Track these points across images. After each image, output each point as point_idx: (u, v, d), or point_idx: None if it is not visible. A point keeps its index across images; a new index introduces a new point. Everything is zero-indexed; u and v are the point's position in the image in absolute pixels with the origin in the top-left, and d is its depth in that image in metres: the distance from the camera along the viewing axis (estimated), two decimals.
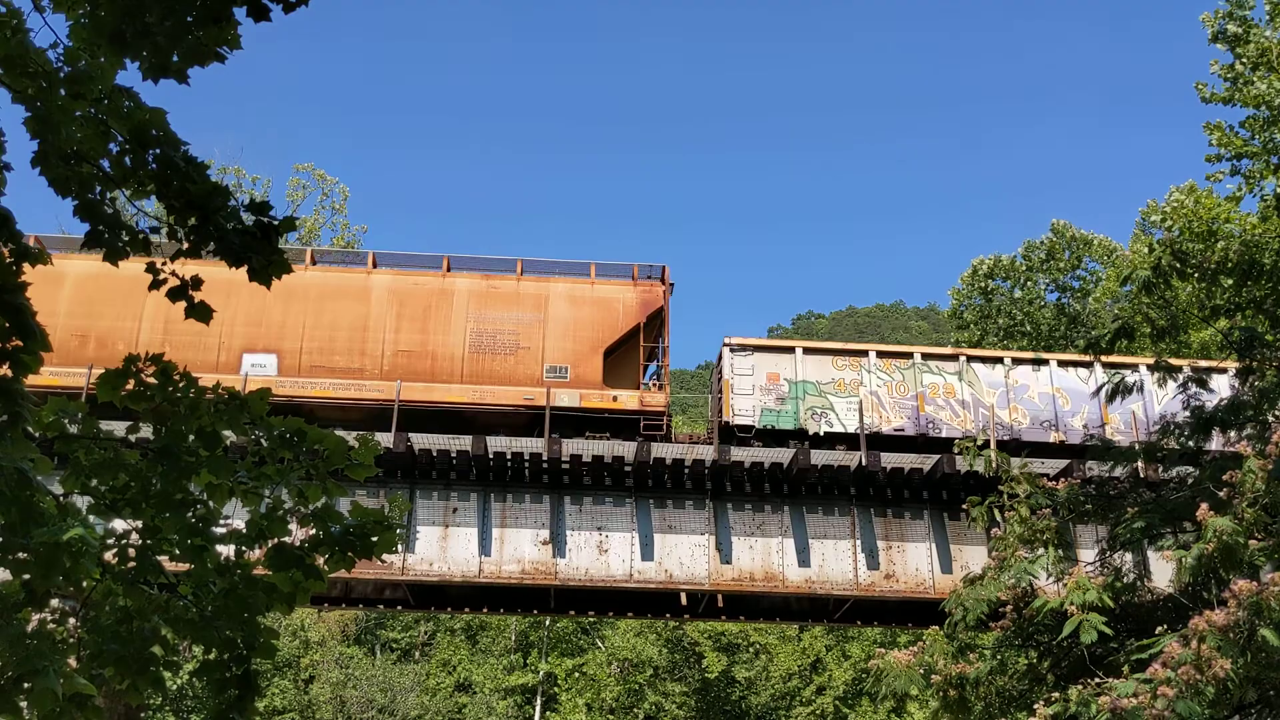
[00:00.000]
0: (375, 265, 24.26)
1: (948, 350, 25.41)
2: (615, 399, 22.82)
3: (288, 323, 23.08)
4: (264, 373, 22.41)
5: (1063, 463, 20.87)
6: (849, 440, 22.45)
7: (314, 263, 24.49)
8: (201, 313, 6.64)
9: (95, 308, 22.83)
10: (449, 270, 24.20)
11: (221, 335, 22.69)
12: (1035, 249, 46.30)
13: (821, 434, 22.59)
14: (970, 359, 23.92)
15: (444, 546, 22.10)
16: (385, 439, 21.03)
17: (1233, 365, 16.39)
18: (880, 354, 23.57)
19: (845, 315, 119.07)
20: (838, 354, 23.57)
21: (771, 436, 22.59)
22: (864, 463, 21.63)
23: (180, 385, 6.48)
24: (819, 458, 21.80)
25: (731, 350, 23.31)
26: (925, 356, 23.91)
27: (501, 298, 23.81)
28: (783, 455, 22.02)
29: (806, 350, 23.63)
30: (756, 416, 22.61)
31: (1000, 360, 24.01)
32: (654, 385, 23.69)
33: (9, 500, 5.79)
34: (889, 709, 46.84)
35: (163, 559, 6.48)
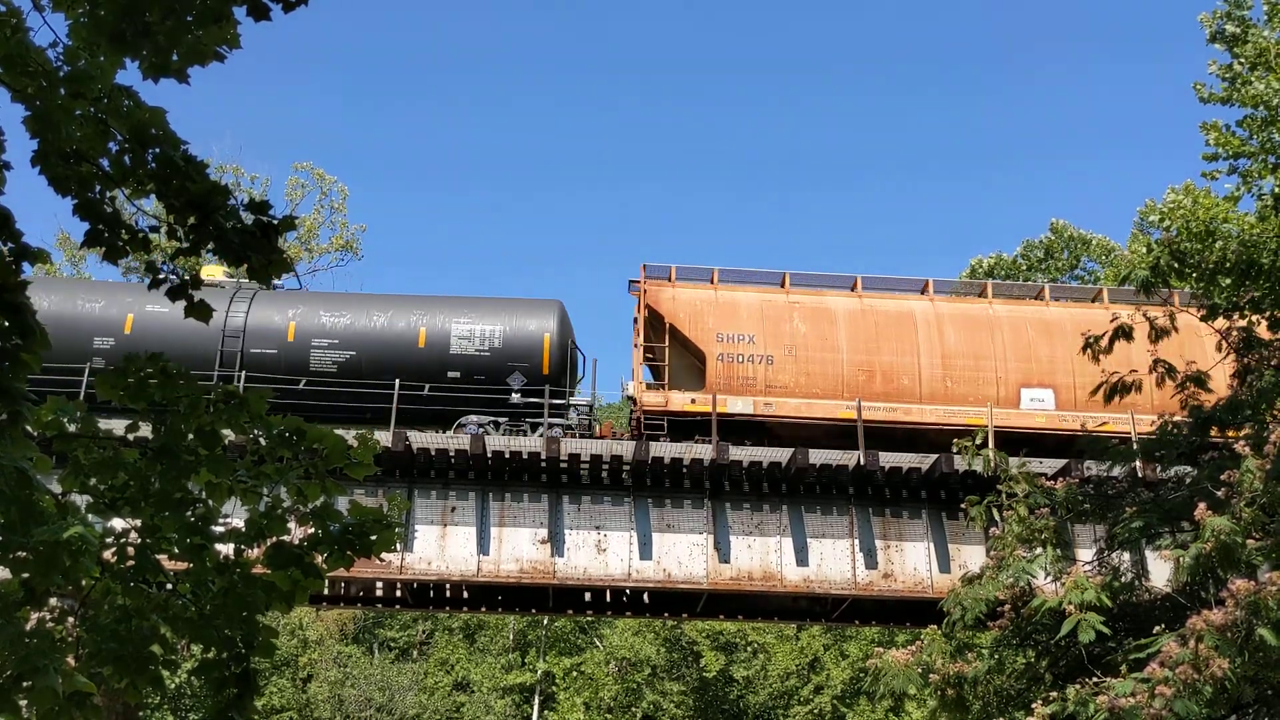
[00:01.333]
0: (1104, 300, 24.91)
1: None
2: None
3: (1056, 358, 23.85)
4: (1042, 406, 23.60)
5: (1061, 462, 20.90)
6: None
7: (1052, 298, 25.12)
8: (202, 312, 6.66)
9: (872, 343, 23.78)
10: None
11: (997, 370, 23.76)
12: (1034, 248, 46.30)
13: None
14: None
15: (442, 545, 22.11)
16: (384, 437, 21.04)
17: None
18: None
19: None
20: None
21: None
22: (862, 462, 21.65)
23: (181, 385, 6.50)
24: (817, 457, 21.81)
25: None
26: None
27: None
28: (781, 455, 22.03)
29: None
30: None
31: None
32: None
33: (9, 499, 5.79)
34: (887, 708, 46.84)
35: (162, 558, 6.48)
